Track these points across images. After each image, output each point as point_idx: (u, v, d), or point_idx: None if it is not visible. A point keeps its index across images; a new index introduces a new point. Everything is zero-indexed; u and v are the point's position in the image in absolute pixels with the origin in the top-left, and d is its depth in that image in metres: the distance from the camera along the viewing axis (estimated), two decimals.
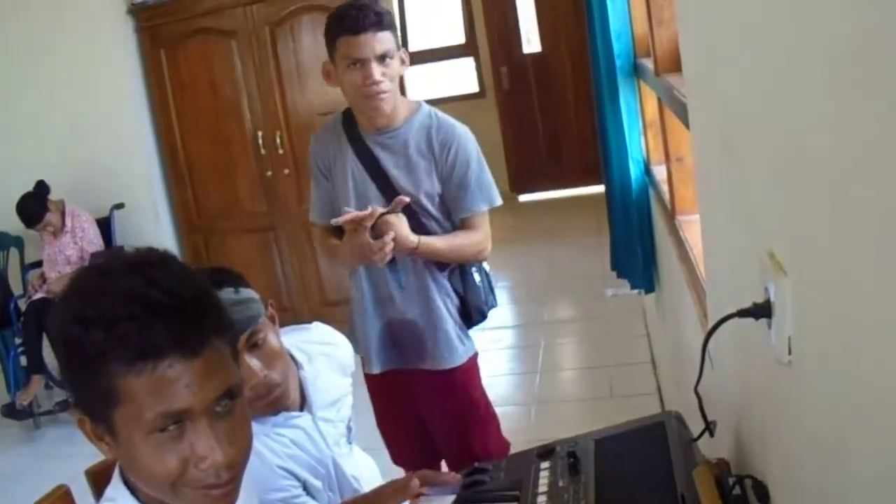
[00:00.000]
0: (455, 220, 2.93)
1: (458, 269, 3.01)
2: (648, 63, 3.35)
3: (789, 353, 1.12)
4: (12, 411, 5.53)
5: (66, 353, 1.28)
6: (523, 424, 4.68)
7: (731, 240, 1.60)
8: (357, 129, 2.91)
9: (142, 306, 1.21)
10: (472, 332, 3.08)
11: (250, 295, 1.95)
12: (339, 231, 2.80)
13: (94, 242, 5.76)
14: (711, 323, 1.45)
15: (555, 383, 5.31)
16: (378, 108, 2.76)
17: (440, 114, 2.94)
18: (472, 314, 3.05)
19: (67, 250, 5.70)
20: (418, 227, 2.83)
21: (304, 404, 2.12)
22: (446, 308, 2.97)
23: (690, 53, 1.91)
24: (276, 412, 2.02)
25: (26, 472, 4.98)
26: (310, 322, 2.39)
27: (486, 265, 3.13)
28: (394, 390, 3.00)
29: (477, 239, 2.93)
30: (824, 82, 0.88)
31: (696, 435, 1.72)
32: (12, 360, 5.70)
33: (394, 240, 2.69)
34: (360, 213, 2.68)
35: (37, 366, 5.57)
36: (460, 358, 3.00)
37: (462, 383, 3.04)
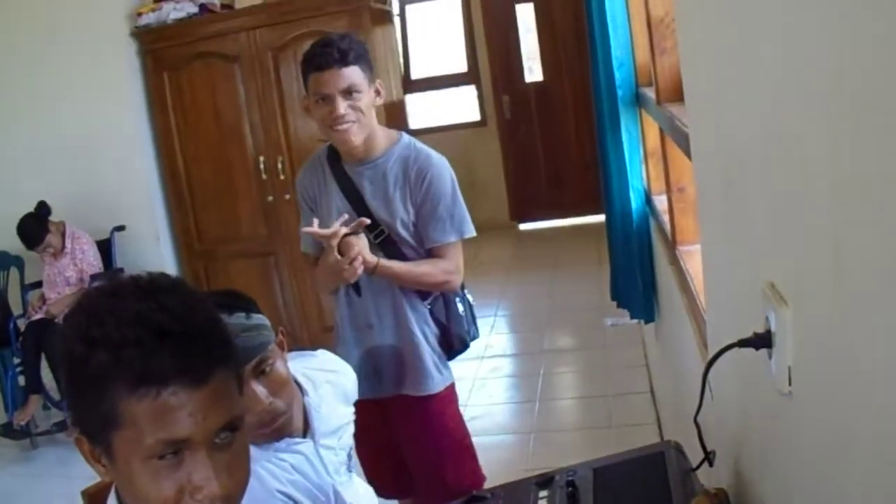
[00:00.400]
0: (425, 249, 2.98)
1: (442, 299, 3.06)
2: (650, 92, 3.36)
3: (789, 383, 1.11)
4: (9, 431, 5.50)
5: (69, 372, 1.26)
6: (522, 453, 4.67)
7: (732, 270, 1.60)
8: (339, 161, 2.99)
9: (150, 331, 1.20)
10: (469, 360, 3.16)
11: (262, 321, 1.95)
12: None
13: (94, 265, 5.77)
14: (711, 353, 1.45)
15: (553, 412, 5.30)
16: (346, 140, 2.85)
17: (419, 144, 3.01)
18: (453, 343, 3.09)
19: (67, 272, 5.70)
20: (396, 255, 2.92)
21: (306, 431, 2.12)
22: (424, 336, 3.02)
23: (692, 83, 1.92)
24: (279, 439, 2.01)
25: (23, 492, 4.97)
26: (312, 348, 2.40)
27: (469, 296, 3.20)
28: (372, 417, 2.99)
29: (442, 268, 2.97)
30: (825, 116, 0.88)
31: (695, 465, 1.72)
32: (10, 379, 5.68)
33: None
34: (323, 231, 2.77)
35: (35, 386, 5.57)
36: (437, 386, 3.04)
37: (438, 411, 3.08)
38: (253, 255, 6.38)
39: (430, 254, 2.97)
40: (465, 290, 3.17)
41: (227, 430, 1.28)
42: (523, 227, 9.68)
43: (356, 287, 2.95)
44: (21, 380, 5.66)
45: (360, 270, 2.79)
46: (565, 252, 8.56)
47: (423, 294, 3.02)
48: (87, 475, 1.69)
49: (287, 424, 2.03)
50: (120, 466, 1.26)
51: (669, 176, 3.32)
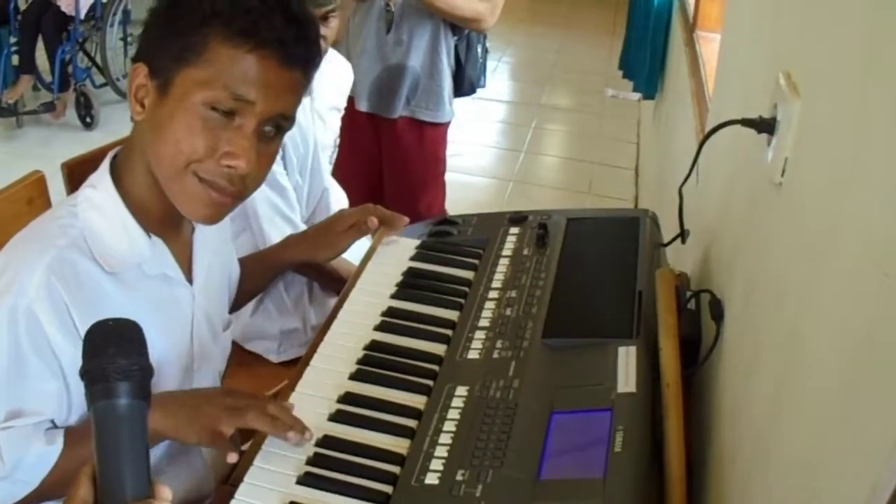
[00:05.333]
0: None
1: (466, 40, 3.15)
2: None
3: (782, 174, 1.11)
4: None
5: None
6: (497, 199, 4.73)
7: (751, 56, 1.57)
8: None
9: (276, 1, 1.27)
10: (463, 97, 3.26)
11: None
12: None
13: None
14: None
15: (536, 166, 5.33)
16: None
17: None
18: (463, 84, 3.21)
19: None
20: None
21: None
22: (446, 67, 3.10)
23: None
24: None
25: (2, 168, 5.00)
26: None
27: (488, 44, 3.32)
28: (367, 133, 3.11)
29: (476, 6, 3.00)
30: None
31: (667, 240, 1.74)
32: (4, 58, 5.67)
33: None
34: None
35: (28, 66, 5.64)
36: (443, 116, 3.17)
37: (433, 141, 3.22)
38: None
39: None
40: (486, 38, 3.28)
41: (276, 123, 1.33)
42: None
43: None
44: (15, 59, 5.67)
45: None
46: (581, 15, 8.40)
47: (454, 27, 3.09)
48: (68, 156, 1.69)
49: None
50: (167, 105, 1.29)
51: None
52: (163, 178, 1.33)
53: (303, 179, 2.33)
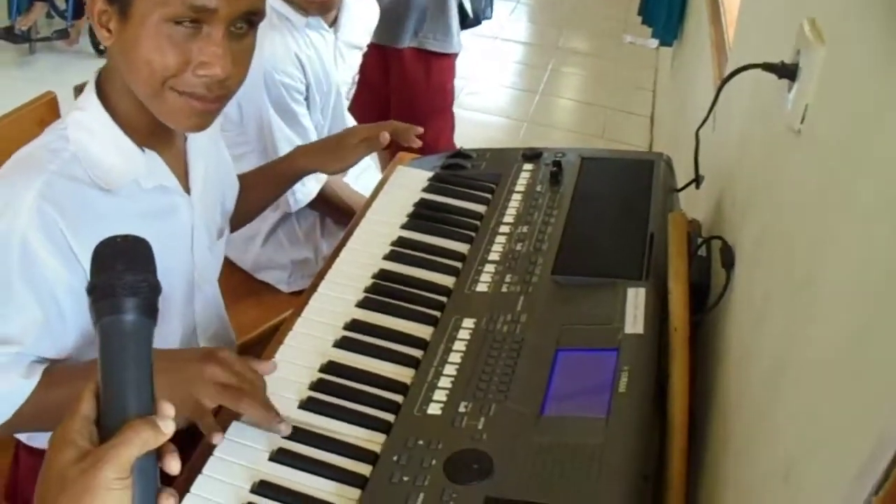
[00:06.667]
0: None
1: None
2: None
3: (802, 121, 1.10)
4: (10, 35, 5.53)
5: None
6: (512, 138, 4.72)
7: (773, 4, 1.55)
8: None
9: None
10: (481, 37, 3.47)
11: None
12: None
13: None
14: None
15: (551, 109, 5.30)
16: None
17: None
18: (467, 14, 3.21)
19: None
20: None
21: (332, 24, 2.25)
22: None
23: None
24: (324, 12, 2.17)
25: (15, 93, 4.97)
26: None
27: None
28: (375, 64, 3.05)
29: None
30: None
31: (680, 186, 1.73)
32: None
33: None
34: None
35: None
36: (451, 47, 3.15)
37: (441, 71, 3.22)
38: None
39: None
40: None
41: (247, 20, 1.29)
42: None
43: None
44: None
45: None
46: None
47: None
48: (81, 80, 1.68)
49: (338, 3, 2.19)
50: (131, 28, 1.25)
51: None
52: (143, 98, 1.32)
53: (324, 119, 2.32)
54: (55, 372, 1.32)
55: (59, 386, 1.28)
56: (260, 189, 1.86)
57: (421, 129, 1.87)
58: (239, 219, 1.81)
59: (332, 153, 1.87)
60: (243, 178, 1.80)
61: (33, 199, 1.25)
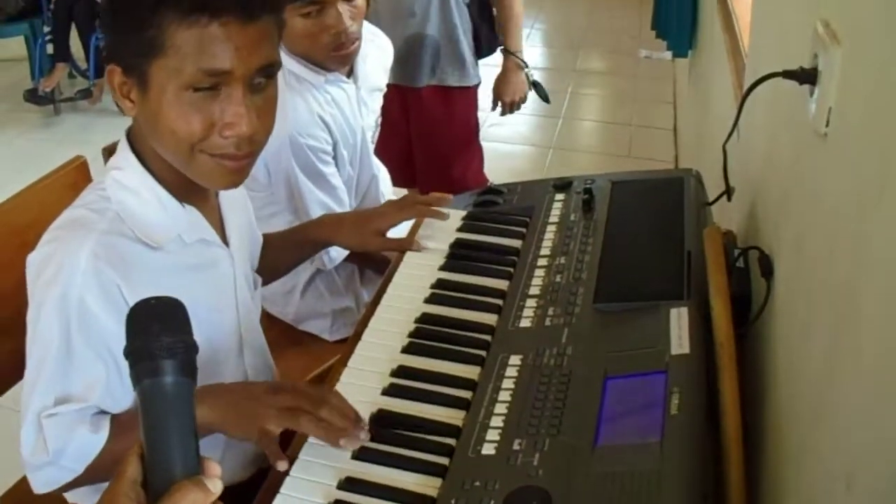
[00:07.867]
0: None
1: (477, 1, 3.12)
2: None
3: (827, 124, 1.09)
4: (34, 97, 5.66)
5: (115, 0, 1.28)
6: (538, 166, 4.72)
7: (785, 7, 1.55)
8: None
9: None
10: (498, 67, 3.25)
11: None
12: None
13: None
14: None
15: (575, 132, 5.30)
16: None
17: None
18: (481, 43, 3.17)
19: None
20: None
21: (350, 76, 2.24)
22: (463, 31, 3.07)
23: None
24: (343, 66, 2.15)
25: (43, 156, 5.03)
26: None
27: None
28: (393, 104, 3.04)
29: None
30: None
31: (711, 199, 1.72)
32: (39, 47, 5.77)
33: None
34: None
35: (63, 54, 5.71)
36: (470, 80, 3.14)
37: (463, 106, 3.20)
38: None
39: None
40: None
41: (264, 74, 1.30)
42: None
43: None
44: (49, 48, 5.73)
45: None
46: None
47: None
48: (107, 142, 1.70)
49: (355, 53, 2.15)
50: (152, 98, 1.27)
51: None
52: (175, 164, 1.34)
53: (353, 170, 2.32)
54: (123, 420, 1.34)
55: (130, 433, 1.29)
56: (287, 252, 1.89)
57: (451, 198, 1.88)
58: (265, 276, 1.81)
59: (358, 233, 1.87)
60: (270, 238, 1.83)
61: (87, 259, 1.27)
